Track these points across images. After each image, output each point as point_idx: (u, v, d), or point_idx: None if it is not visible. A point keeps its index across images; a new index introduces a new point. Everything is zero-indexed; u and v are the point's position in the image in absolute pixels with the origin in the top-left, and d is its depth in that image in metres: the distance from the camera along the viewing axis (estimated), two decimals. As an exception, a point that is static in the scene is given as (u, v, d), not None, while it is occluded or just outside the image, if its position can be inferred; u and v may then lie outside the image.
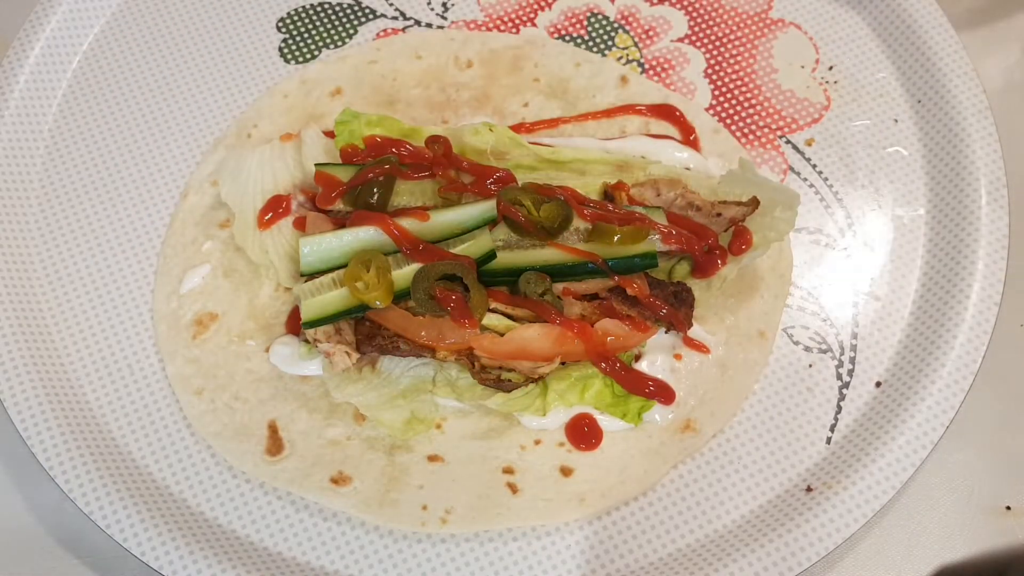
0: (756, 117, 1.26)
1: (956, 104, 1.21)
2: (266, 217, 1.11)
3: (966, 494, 1.08)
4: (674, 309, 1.05)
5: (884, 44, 1.29)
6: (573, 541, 1.01)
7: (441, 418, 1.07)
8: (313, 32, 1.32)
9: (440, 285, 1.00)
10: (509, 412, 1.05)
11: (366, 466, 1.04)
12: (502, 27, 1.32)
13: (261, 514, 1.03)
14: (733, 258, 1.09)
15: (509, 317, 1.03)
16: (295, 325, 1.10)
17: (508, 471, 1.04)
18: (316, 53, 1.31)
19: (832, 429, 1.07)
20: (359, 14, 1.33)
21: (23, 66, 1.25)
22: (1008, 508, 1.07)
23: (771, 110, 1.26)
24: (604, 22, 1.32)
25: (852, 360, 1.11)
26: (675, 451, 1.05)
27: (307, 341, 1.06)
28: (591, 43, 1.31)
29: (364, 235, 1.03)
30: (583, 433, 1.06)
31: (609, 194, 1.13)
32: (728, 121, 1.25)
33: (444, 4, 1.34)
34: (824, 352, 1.11)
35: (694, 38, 1.31)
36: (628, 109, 1.24)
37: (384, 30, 1.32)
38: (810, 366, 1.11)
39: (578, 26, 1.32)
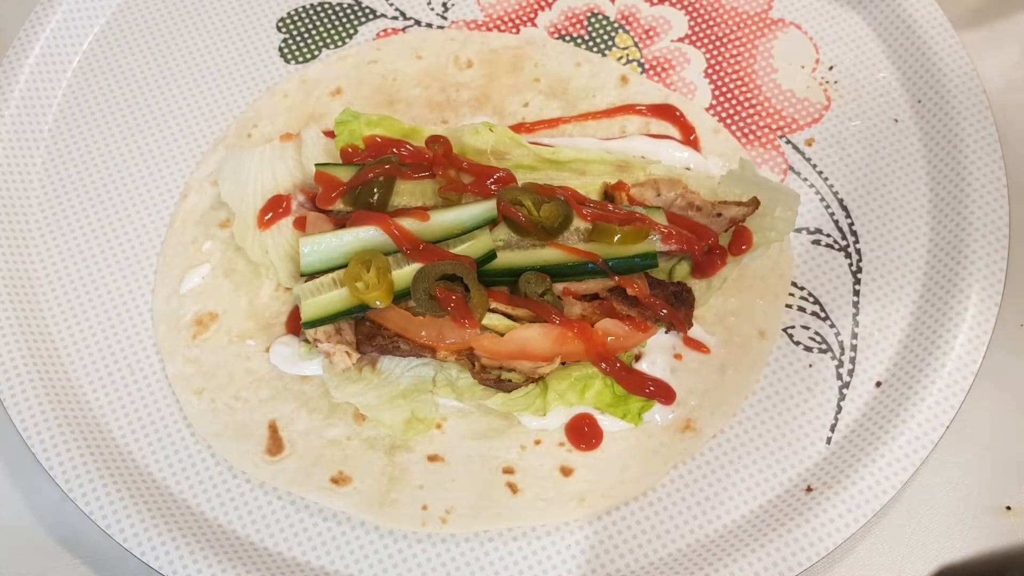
0: (756, 117, 1.26)
1: (956, 104, 1.21)
2: (266, 217, 1.11)
3: (966, 494, 1.08)
4: (674, 309, 1.05)
5: (884, 44, 1.29)
6: (573, 541, 1.01)
7: (441, 418, 1.07)
8: (313, 32, 1.32)
9: (440, 285, 1.00)
10: (509, 412, 1.05)
11: (366, 466, 1.04)
12: (502, 27, 1.32)
13: (261, 514, 1.03)
14: (733, 258, 1.09)
15: (509, 317, 1.03)
16: (295, 325, 1.10)
17: (508, 471, 1.04)
18: (316, 53, 1.31)
19: (832, 429, 1.07)
20: (359, 14, 1.33)
21: (23, 66, 1.25)
22: (1008, 508, 1.07)
23: (771, 110, 1.26)
24: (604, 22, 1.32)
25: (852, 360, 1.11)
26: (675, 451, 1.05)
27: (307, 341, 1.06)
28: (591, 43, 1.31)
29: (364, 235, 1.03)
30: (583, 433, 1.06)
31: (609, 194, 1.13)
32: (728, 121, 1.25)
33: (444, 4, 1.34)
34: (824, 352, 1.11)
35: (694, 38, 1.31)
36: (628, 109, 1.24)
37: (384, 30, 1.32)
38: (810, 366, 1.11)
39: (578, 26, 1.32)
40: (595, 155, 1.16)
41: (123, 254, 1.17)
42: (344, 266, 1.02)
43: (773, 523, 1.01)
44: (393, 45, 1.30)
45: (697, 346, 1.10)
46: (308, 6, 1.34)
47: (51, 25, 1.28)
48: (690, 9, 1.33)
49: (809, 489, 1.03)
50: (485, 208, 1.04)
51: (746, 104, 1.27)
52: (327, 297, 1.02)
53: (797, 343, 1.12)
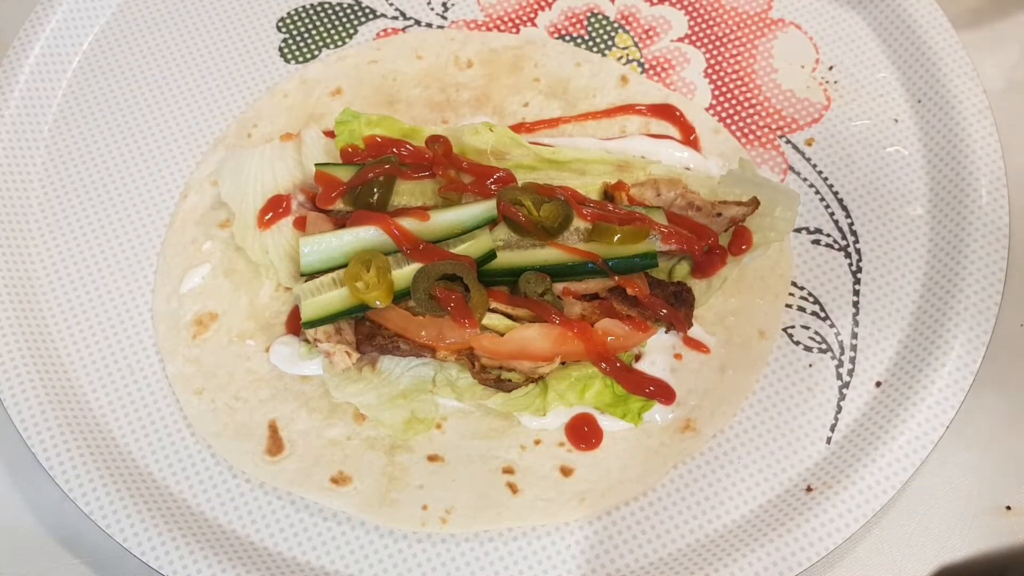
0: (756, 117, 1.26)
1: (956, 104, 1.21)
2: (266, 217, 1.11)
3: (966, 494, 1.08)
4: (674, 309, 1.05)
5: (884, 44, 1.29)
6: (573, 541, 1.01)
7: (441, 418, 1.07)
8: (313, 32, 1.32)
9: (440, 285, 1.00)
10: (509, 412, 1.05)
11: (366, 466, 1.04)
12: (502, 27, 1.32)
13: (261, 514, 1.03)
14: (733, 258, 1.09)
15: (509, 317, 1.03)
16: (295, 325, 1.10)
17: (508, 471, 1.04)
18: (316, 53, 1.31)
19: (832, 429, 1.07)
20: (359, 14, 1.33)
21: (23, 66, 1.25)
22: (1008, 508, 1.07)
23: (771, 110, 1.26)
24: (604, 22, 1.32)
25: (852, 360, 1.11)
26: (675, 451, 1.05)
27: (307, 341, 1.06)
28: (591, 43, 1.31)
29: (364, 235, 1.03)
30: (583, 433, 1.06)
31: (609, 194, 1.13)
32: (728, 121, 1.25)
33: (444, 4, 1.34)
34: (824, 352, 1.11)
35: (694, 38, 1.31)
36: (628, 109, 1.24)
37: (384, 30, 1.32)
38: (810, 366, 1.11)
39: (578, 26, 1.32)
40: (595, 155, 1.16)
41: (123, 254, 1.17)
42: (344, 266, 1.02)
43: (773, 523, 1.01)
44: (393, 45, 1.30)
45: (697, 346, 1.10)
46: (308, 6, 1.34)
47: (51, 25, 1.28)
48: (690, 9, 1.33)
49: (809, 489, 1.03)
50: (485, 208, 1.04)
51: (746, 104, 1.27)
52: (327, 297, 1.02)
53: (797, 343, 1.12)
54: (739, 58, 1.30)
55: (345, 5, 1.34)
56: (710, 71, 1.29)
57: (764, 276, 1.14)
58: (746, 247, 1.08)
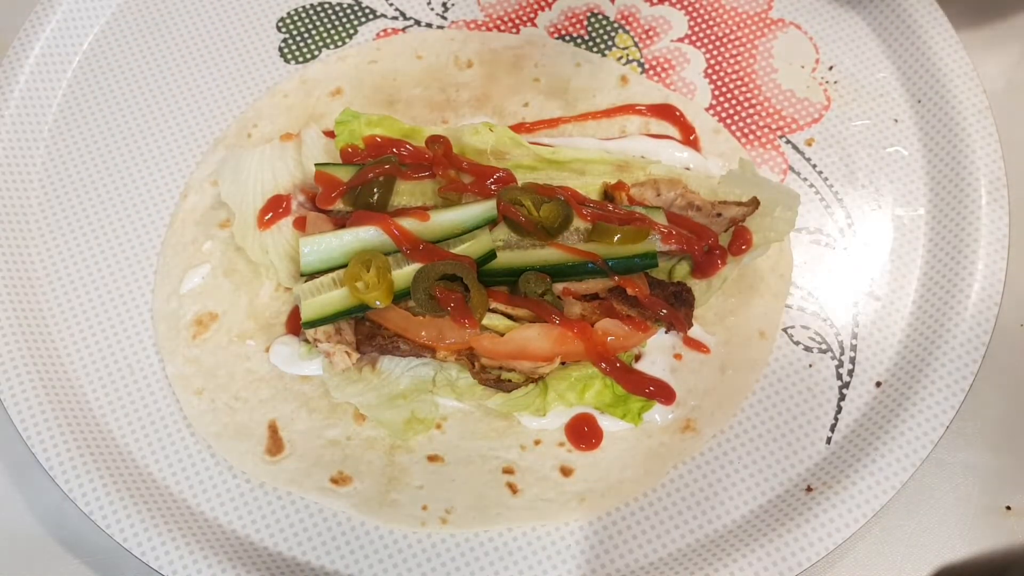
0: (756, 117, 1.26)
1: (956, 104, 1.21)
2: (266, 217, 1.11)
3: (966, 494, 1.08)
4: (674, 309, 1.05)
5: (884, 44, 1.29)
6: (573, 541, 1.01)
7: (441, 418, 1.07)
8: (313, 32, 1.32)
9: (440, 285, 1.00)
10: (509, 412, 1.05)
11: (366, 466, 1.04)
12: (502, 27, 1.32)
13: (261, 514, 1.03)
14: (733, 258, 1.09)
15: (509, 317, 1.03)
16: (295, 325, 1.10)
17: (508, 471, 1.04)
18: (316, 53, 1.31)
19: (832, 429, 1.07)
20: (359, 14, 1.33)
21: (23, 66, 1.25)
22: (1008, 508, 1.07)
23: (771, 110, 1.26)
24: (604, 22, 1.32)
25: (852, 360, 1.11)
26: (675, 451, 1.05)
27: (307, 341, 1.06)
28: (591, 43, 1.31)
29: (364, 235, 1.03)
30: (583, 433, 1.06)
31: (609, 194, 1.13)
32: (728, 121, 1.25)
33: (444, 4, 1.34)
34: (824, 352, 1.11)
35: (694, 38, 1.31)
36: (628, 109, 1.24)
37: (384, 30, 1.32)
38: (810, 366, 1.11)
39: (578, 26, 1.32)
40: (595, 155, 1.16)
41: (123, 254, 1.17)
42: (344, 266, 1.02)
43: (773, 523, 1.01)
44: (393, 45, 1.30)
45: (697, 346, 1.10)
46: (308, 6, 1.34)
47: (51, 25, 1.28)
48: (690, 9, 1.33)
49: (809, 489, 1.03)
50: (485, 208, 1.04)
51: (746, 104, 1.27)
52: (327, 297, 1.02)
53: (797, 343, 1.12)
54: (739, 58, 1.30)
55: (345, 5, 1.34)
56: (710, 71, 1.29)
57: (764, 276, 1.14)
58: (746, 247, 1.08)
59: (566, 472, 1.04)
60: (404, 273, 1.01)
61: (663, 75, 1.29)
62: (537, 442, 1.06)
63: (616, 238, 1.03)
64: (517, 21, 1.33)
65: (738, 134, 1.24)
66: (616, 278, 1.04)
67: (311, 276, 1.04)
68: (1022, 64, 1.34)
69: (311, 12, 1.34)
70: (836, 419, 1.08)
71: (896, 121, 1.25)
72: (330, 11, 1.34)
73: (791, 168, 1.22)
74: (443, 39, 1.30)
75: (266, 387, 1.09)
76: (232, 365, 1.10)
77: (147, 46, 1.31)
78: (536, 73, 1.27)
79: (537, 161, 1.14)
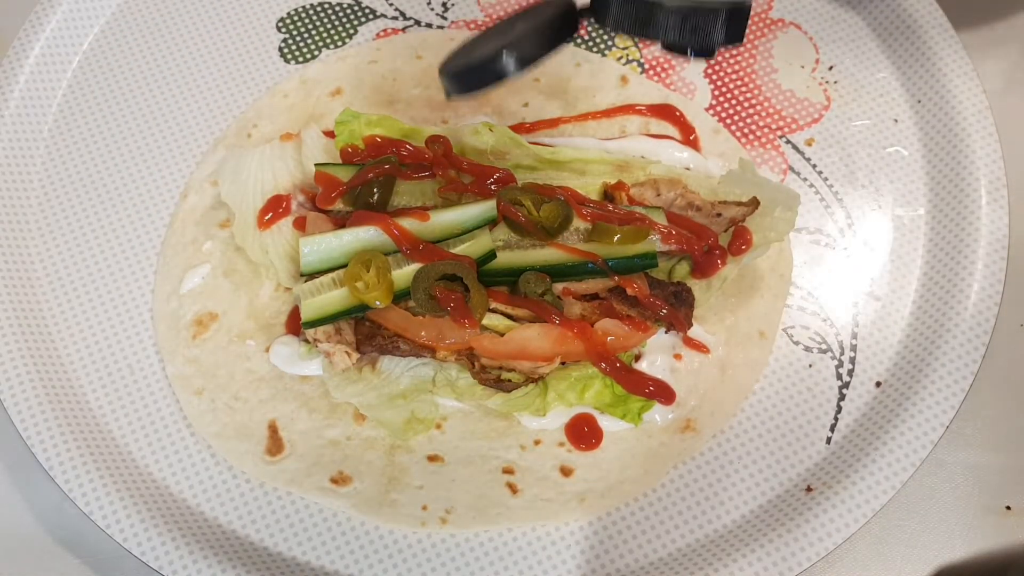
0: (756, 117, 1.26)
1: (956, 104, 1.21)
2: (266, 217, 1.11)
3: (966, 494, 1.08)
4: (674, 309, 1.05)
5: (884, 44, 1.29)
6: (573, 541, 1.01)
7: (441, 418, 1.07)
8: (313, 32, 1.32)
9: (440, 285, 1.00)
10: (509, 412, 1.05)
11: (366, 466, 1.04)
12: (502, 27, 1.32)
13: (261, 514, 1.03)
14: (733, 258, 1.09)
15: (509, 317, 1.03)
16: (295, 325, 1.10)
17: (508, 471, 1.04)
18: (316, 53, 1.31)
19: (832, 429, 1.07)
20: (359, 14, 1.33)
21: (23, 66, 1.25)
22: (1008, 508, 1.07)
23: (771, 110, 1.26)
24: (604, 22, 1.32)
25: (852, 360, 1.11)
26: (675, 451, 1.05)
27: (307, 341, 1.06)
28: (591, 43, 1.31)
29: (364, 235, 1.03)
30: (583, 433, 1.06)
31: (609, 194, 1.13)
32: (728, 121, 1.25)
33: (444, 4, 1.34)
34: (824, 352, 1.11)
35: (694, 38, 1.31)
36: (628, 109, 1.24)
37: (384, 30, 1.32)
38: (810, 366, 1.11)
39: (578, 26, 1.32)
40: (595, 155, 1.16)
41: (123, 254, 1.17)
42: (344, 266, 1.02)
43: (773, 523, 1.01)
44: (393, 45, 1.30)
45: (697, 346, 1.10)
46: (308, 6, 1.34)
47: (51, 25, 1.28)
48: (690, 9, 1.33)
49: (809, 489, 1.03)
50: (485, 208, 1.04)
51: (746, 104, 1.27)
52: (327, 297, 1.02)
53: (797, 343, 1.12)
54: (739, 58, 1.30)
55: (345, 5, 1.34)
56: (710, 71, 1.29)
57: (764, 276, 1.14)
58: (746, 247, 1.08)
59: (566, 472, 1.04)
60: (404, 273, 1.01)
61: (663, 75, 1.29)
62: (537, 442, 1.06)
63: (616, 238, 1.03)
64: (517, 21, 1.33)
65: (738, 134, 1.24)
66: (616, 278, 1.04)
67: (311, 276, 1.04)
68: (1022, 64, 1.34)
69: (311, 12, 1.34)
70: (836, 419, 1.08)
71: (896, 121, 1.25)
72: (330, 11, 1.34)
73: (791, 168, 1.22)
74: (443, 39, 1.30)
75: (266, 387, 1.09)
76: (232, 365, 1.10)
77: (147, 46, 1.31)
78: (536, 73, 1.27)
79: (537, 161, 1.14)
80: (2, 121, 1.21)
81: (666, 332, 1.10)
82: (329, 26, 1.33)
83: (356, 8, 1.34)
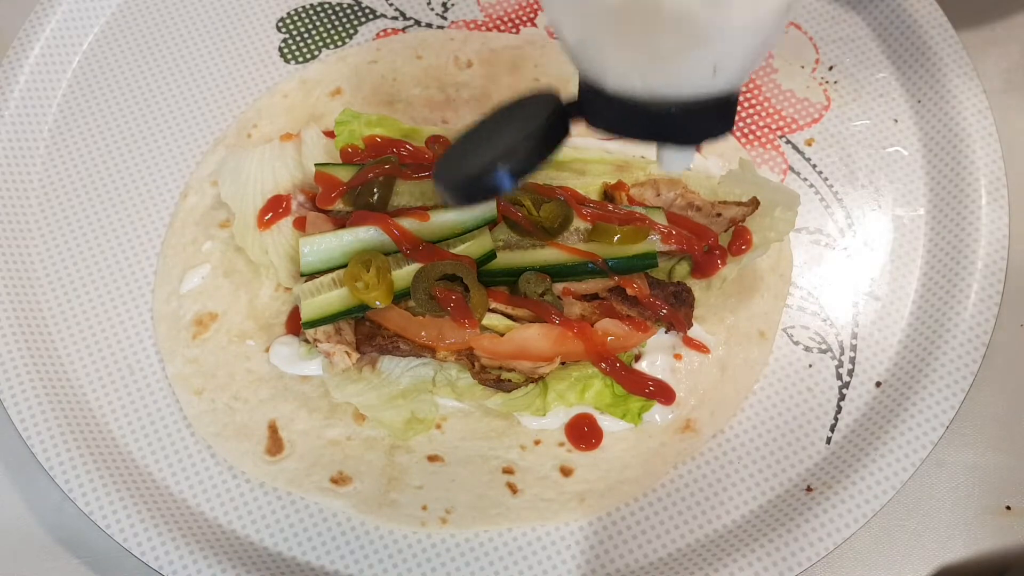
0: (756, 117, 1.26)
1: (956, 104, 1.21)
2: (266, 217, 1.11)
3: (966, 494, 1.08)
4: (674, 309, 1.05)
5: (884, 44, 1.29)
6: (573, 541, 1.01)
7: (441, 418, 1.07)
8: (313, 32, 1.32)
9: (440, 285, 1.00)
10: (509, 412, 1.05)
11: (366, 466, 1.04)
12: (502, 27, 1.32)
13: (261, 514, 1.03)
14: (733, 258, 1.09)
15: (509, 317, 1.03)
16: (295, 325, 1.10)
17: (508, 471, 1.04)
18: (316, 53, 1.31)
19: (832, 429, 1.07)
20: (359, 14, 1.33)
21: (23, 66, 1.25)
22: (1008, 508, 1.07)
23: (771, 110, 1.26)
24: (604, 22, 1.32)
25: (852, 360, 1.11)
26: (675, 451, 1.05)
27: (307, 341, 1.06)
28: (591, 43, 1.30)
29: (364, 235, 1.03)
30: (583, 433, 1.06)
31: (609, 194, 1.13)
32: (728, 121, 1.25)
33: (444, 4, 1.34)
34: (824, 352, 1.11)
35: (694, 38, 1.31)
36: (628, 109, 1.24)
37: (384, 30, 1.32)
38: (810, 366, 1.11)
39: (578, 26, 1.32)
40: (595, 155, 1.16)
41: (123, 254, 1.17)
42: (344, 266, 1.02)
43: (773, 523, 1.01)
44: (393, 45, 1.30)
45: (697, 346, 1.10)
46: (308, 6, 1.34)
47: (51, 25, 1.28)
48: (690, 9, 1.33)
49: (809, 489, 1.03)
50: (485, 208, 1.04)
51: (746, 104, 1.27)
52: (327, 297, 1.02)
53: (797, 343, 1.12)
54: (739, 58, 1.30)
55: (345, 5, 1.34)
56: (710, 71, 1.29)
57: (764, 276, 1.14)
58: (746, 247, 1.08)
59: (566, 472, 1.04)
60: (404, 273, 1.01)
61: (663, 75, 1.28)
62: (537, 442, 1.06)
63: (616, 238, 1.03)
64: (517, 21, 1.33)
65: (738, 134, 1.24)
66: (616, 278, 1.04)
67: (311, 276, 1.04)
68: (1022, 64, 1.34)
69: (311, 12, 1.34)
70: (836, 419, 1.08)
71: (896, 121, 1.25)
72: (330, 11, 1.34)
73: (791, 168, 1.22)
74: (443, 39, 1.30)
75: (266, 387, 1.09)
76: (232, 365, 1.10)
77: (147, 46, 1.31)
78: (536, 73, 1.27)
79: (537, 161, 1.14)
80: (2, 121, 1.21)
81: (666, 332, 1.10)
82: (329, 26, 1.33)
83: (356, 8, 1.34)
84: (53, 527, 1.07)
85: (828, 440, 1.07)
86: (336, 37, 1.32)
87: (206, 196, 1.19)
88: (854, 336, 1.12)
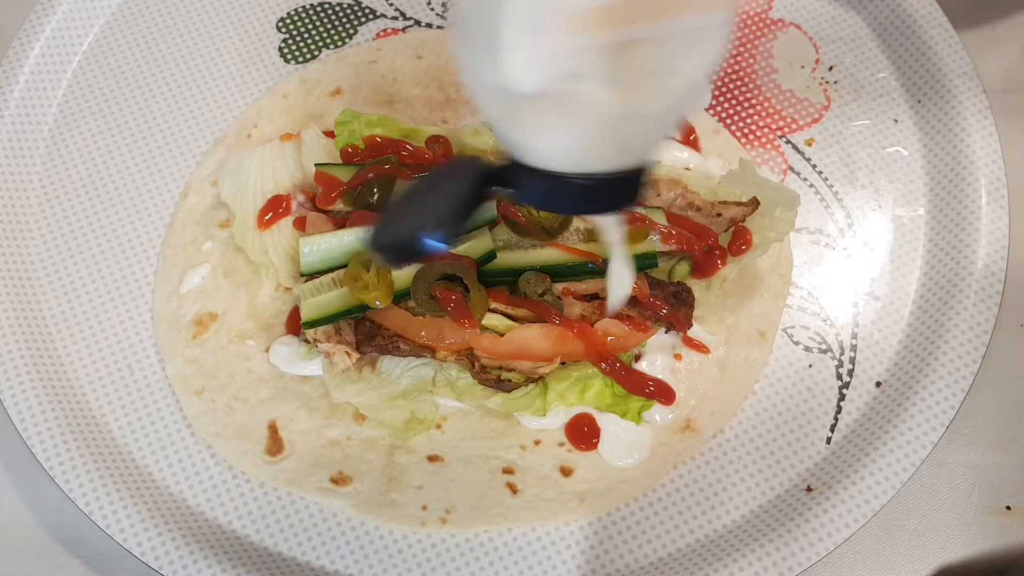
0: (756, 117, 1.26)
1: (956, 104, 1.21)
2: (266, 217, 1.11)
3: (966, 494, 1.08)
4: (674, 309, 1.05)
5: (884, 44, 1.29)
6: (573, 541, 1.01)
7: (441, 418, 1.07)
8: (313, 32, 1.32)
9: (440, 285, 1.00)
10: (509, 412, 1.05)
11: (366, 466, 1.04)
12: (502, 27, 1.32)
13: (261, 514, 1.03)
14: (733, 258, 1.09)
15: (509, 317, 1.03)
16: (295, 325, 1.10)
17: (508, 471, 1.04)
18: (316, 53, 1.31)
19: (832, 429, 1.07)
20: (359, 14, 1.33)
21: (23, 66, 1.25)
22: (1008, 508, 1.07)
23: (771, 110, 1.26)
24: (604, 22, 1.32)
25: (852, 360, 1.11)
26: (675, 451, 1.05)
27: (307, 341, 1.06)
28: (591, 43, 1.30)
29: (364, 235, 1.03)
30: (583, 433, 1.06)
31: (609, 194, 1.12)
32: (728, 121, 1.25)
33: (444, 4, 1.34)
34: (824, 352, 1.11)
35: (694, 38, 1.31)
36: (628, 109, 1.24)
37: (384, 30, 1.32)
38: (810, 366, 1.11)
39: (578, 26, 1.32)
40: (595, 155, 1.16)
41: (123, 254, 1.17)
42: (344, 266, 1.02)
43: (773, 523, 1.01)
44: (393, 45, 1.30)
45: (697, 346, 1.10)
46: (308, 6, 1.34)
47: (51, 25, 1.28)
48: (690, 9, 1.33)
49: (809, 489, 1.03)
50: (485, 208, 1.04)
51: (746, 104, 1.27)
52: (327, 297, 1.02)
53: (797, 343, 1.12)
54: (739, 58, 1.30)
55: (345, 5, 1.34)
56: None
57: (764, 276, 1.14)
58: (746, 247, 1.08)
59: (566, 472, 1.04)
60: (404, 273, 1.01)
61: (663, 75, 1.28)
62: (537, 442, 1.06)
63: (616, 238, 1.03)
64: (517, 21, 1.33)
65: (738, 134, 1.24)
66: (616, 278, 1.04)
67: (311, 276, 1.04)
68: (1022, 64, 1.34)
69: (311, 12, 1.34)
70: (836, 419, 1.08)
71: (896, 121, 1.25)
72: (330, 11, 1.34)
73: (791, 168, 1.22)
74: (443, 39, 1.30)
75: (266, 387, 1.09)
76: (232, 365, 1.10)
77: (147, 46, 1.31)
78: (536, 73, 1.27)
79: (537, 161, 1.14)
80: (2, 121, 1.21)
81: (666, 332, 1.10)
82: (329, 26, 1.33)
83: (356, 8, 1.34)
84: (53, 527, 1.07)
85: (828, 440, 1.07)
86: (336, 37, 1.32)
87: (206, 196, 1.19)
88: (854, 336, 1.12)
